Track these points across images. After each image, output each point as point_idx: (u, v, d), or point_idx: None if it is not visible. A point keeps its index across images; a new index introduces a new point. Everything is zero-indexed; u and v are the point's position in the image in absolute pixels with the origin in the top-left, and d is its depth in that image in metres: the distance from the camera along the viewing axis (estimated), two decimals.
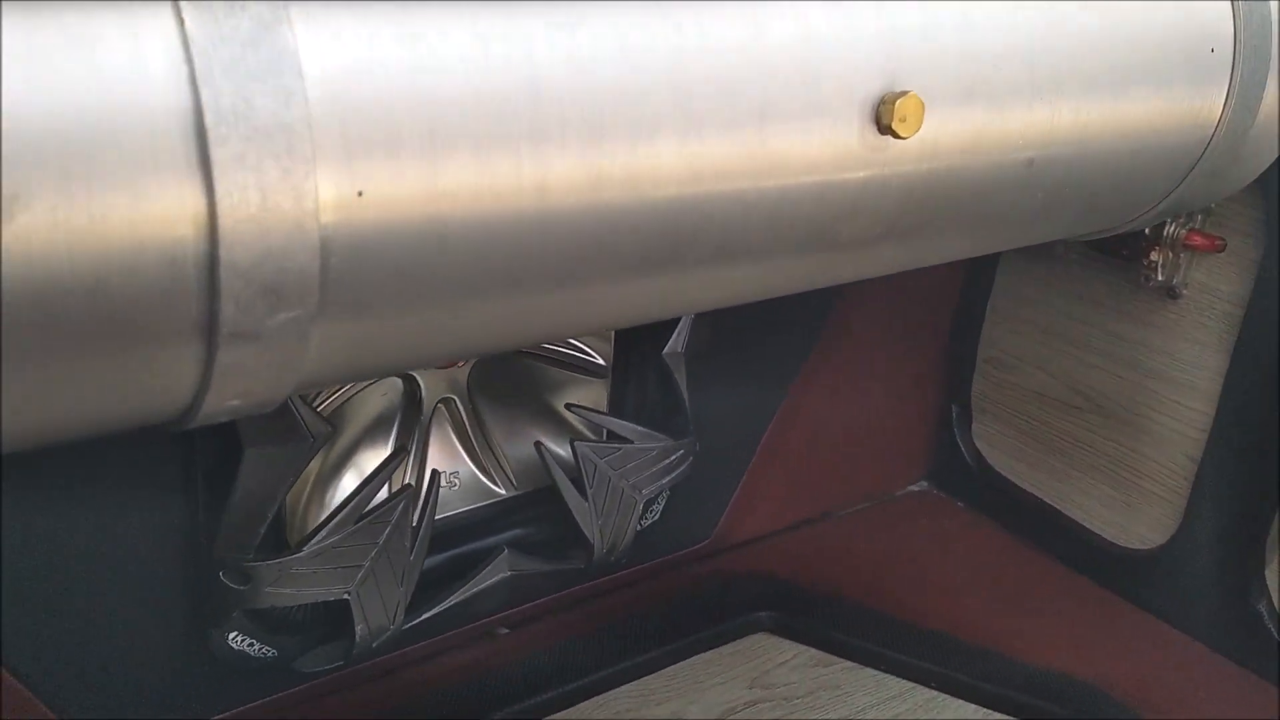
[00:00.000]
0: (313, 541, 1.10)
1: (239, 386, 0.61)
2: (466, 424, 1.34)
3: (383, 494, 1.18)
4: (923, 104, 0.76)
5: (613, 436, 1.31)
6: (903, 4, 0.78)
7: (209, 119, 0.53)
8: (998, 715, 1.34)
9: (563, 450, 1.30)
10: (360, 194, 0.59)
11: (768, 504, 1.65)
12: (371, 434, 1.28)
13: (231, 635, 1.15)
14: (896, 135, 0.76)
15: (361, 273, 0.61)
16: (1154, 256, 1.47)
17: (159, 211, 0.54)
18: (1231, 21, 0.96)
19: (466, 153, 0.63)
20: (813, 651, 1.43)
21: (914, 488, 1.85)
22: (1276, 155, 1.09)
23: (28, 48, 0.50)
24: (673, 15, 0.69)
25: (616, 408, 1.35)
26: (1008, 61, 0.84)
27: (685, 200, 0.72)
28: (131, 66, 0.52)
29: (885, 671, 1.40)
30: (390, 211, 0.61)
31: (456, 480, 1.31)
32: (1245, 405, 1.42)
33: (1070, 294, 1.62)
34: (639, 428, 1.31)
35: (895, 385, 1.77)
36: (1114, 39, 0.90)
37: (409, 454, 1.24)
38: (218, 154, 0.53)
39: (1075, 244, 1.52)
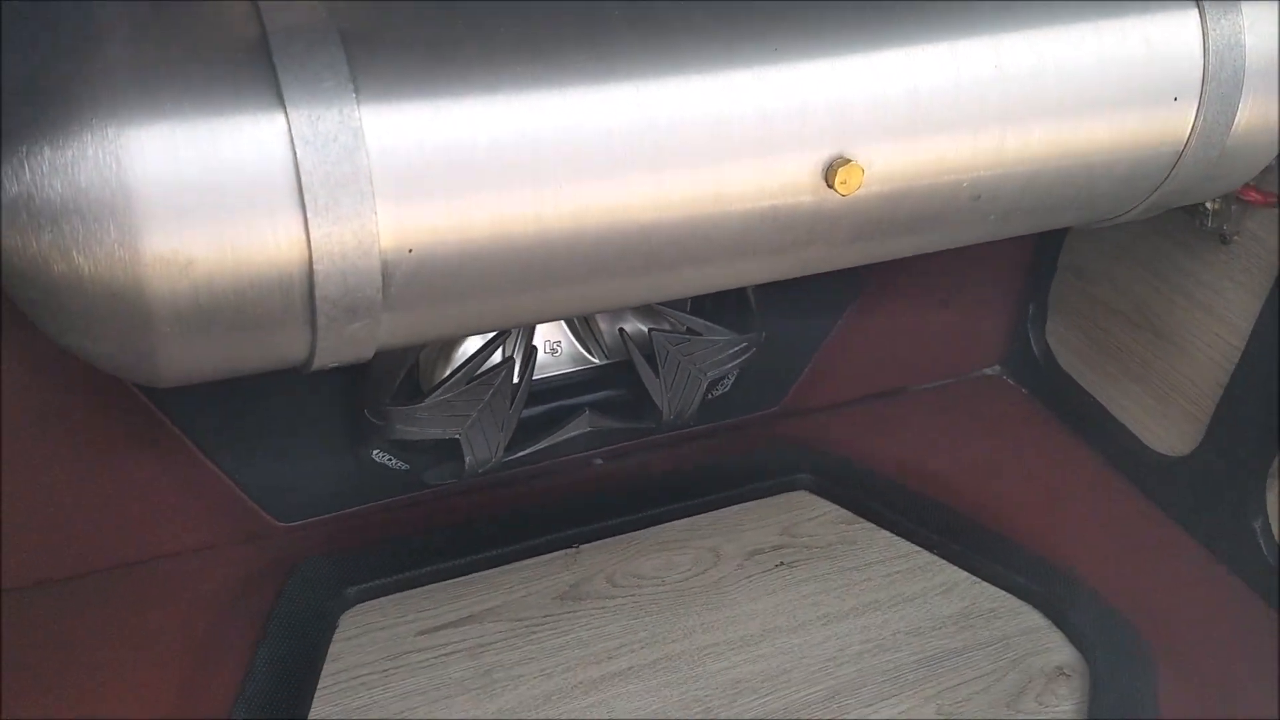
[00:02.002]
0: (433, 395, 1.46)
1: (334, 356, 0.94)
2: None
3: (497, 357, 1.51)
4: (862, 171, 0.99)
5: (685, 326, 1.59)
6: (852, 70, 0.99)
7: (310, 213, 0.84)
8: (983, 583, 1.61)
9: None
10: (410, 251, 0.89)
11: (840, 377, 1.91)
12: None
13: (375, 452, 1.54)
14: (839, 193, 0.99)
15: (410, 293, 0.92)
16: (1208, 204, 1.60)
17: (276, 264, 0.86)
18: (1201, 72, 1.10)
19: (486, 206, 0.92)
20: (842, 511, 1.72)
21: (988, 371, 2.06)
22: (1252, 177, 1.22)
23: (192, 170, 0.82)
24: (645, 91, 0.94)
25: (696, 304, 1.63)
26: (960, 116, 1.03)
27: (654, 226, 0.99)
28: (258, 180, 0.83)
29: (899, 536, 1.68)
30: (430, 256, 0.91)
31: (559, 348, 1.63)
32: (1268, 349, 1.57)
33: (1149, 220, 1.76)
34: (708, 323, 1.59)
35: (980, 277, 1.96)
36: (1071, 94, 1.07)
37: (513, 332, 1.56)
38: (315, 234, 0.85)
39: None
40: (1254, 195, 1.56)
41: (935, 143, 1.04)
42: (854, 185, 1.00)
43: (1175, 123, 1.13)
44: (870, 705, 1.43)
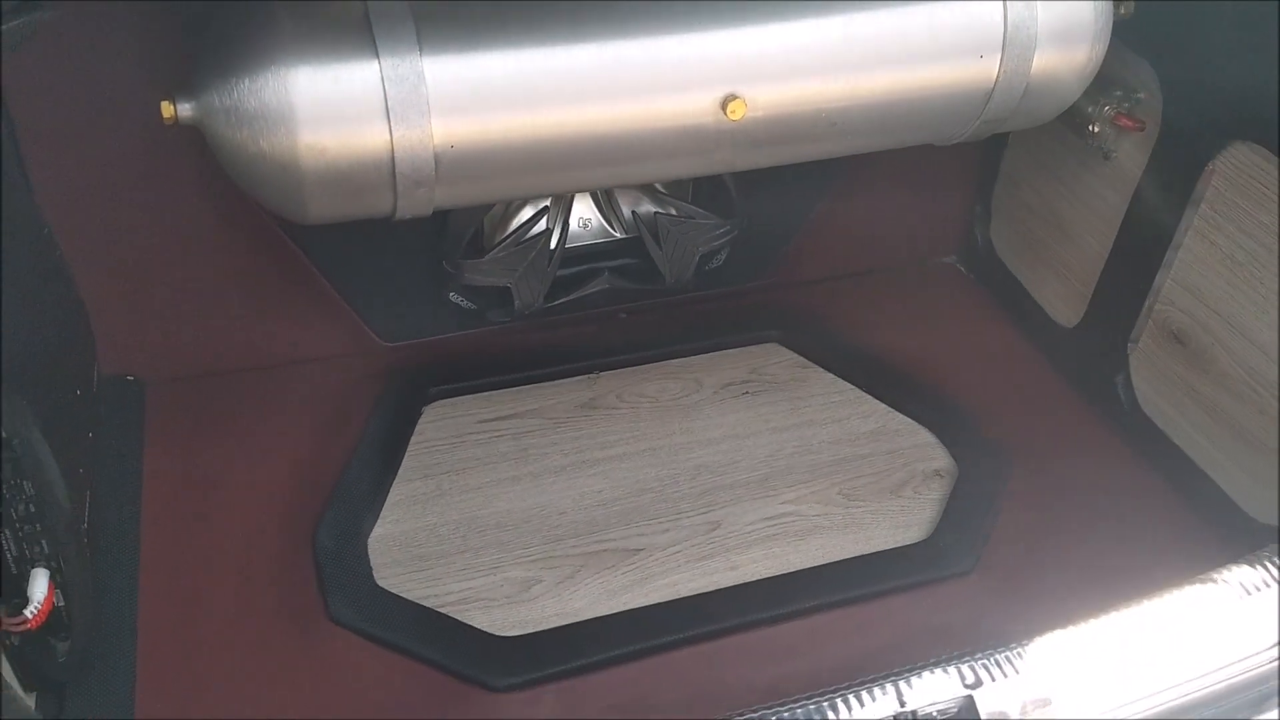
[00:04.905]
0: (491, 252, 2.06)
1: (409, 211, 1.55)
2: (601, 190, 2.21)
3: (542, 225, 2.10)
4: (746, 104, 1.53)
5: (684, 212, 2.15)
6: (742, 37, 1.53)
7: (393, 124, 1.44)
8: (894, 412, 2.16)
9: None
10: (452, 146, 1.48)
11: (818, 257, 2.43)
12: None
13: (451, 294, 2.16)
14: (730, 119, 1.54)
15: (453, 173, 1.52)
16: (1090, 127, 2.07)
17: (373, 151, 1.46)
18: (1001, 38, 1.61)
19: (501, 121, 1.50)
20: (800, 359, 2.28)
21: (946, 260, 2.57)
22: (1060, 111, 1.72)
23: (323, 92, 1.42)
24: (604, 50, 1.51)
25: (695, 193, 2.18)
26: (816, 67, 1.57)
27: (608, 136, 1.55)
28: (363, 102, 1.43)
29: (840, 378, 2.24)
30: (465, 151, 1.50)
31: (590, 222, 2.21)
32: (1128, 244, 2.06)
33: (1064, 136, 2.18)
34: (699, 209, 2.15)
35: (940, 182, 2.44)
36: (902, 53, 1.59)
37: (554, 209, 2.13)
38: (396, 136, 1.45)
39: None
40: (1125, 122, 2.02)
41: (800, 85, 1.58)
42: (740, 114, 1.54)
43: (983, 74, 1.64)
44: (791, 487, 2.01)
